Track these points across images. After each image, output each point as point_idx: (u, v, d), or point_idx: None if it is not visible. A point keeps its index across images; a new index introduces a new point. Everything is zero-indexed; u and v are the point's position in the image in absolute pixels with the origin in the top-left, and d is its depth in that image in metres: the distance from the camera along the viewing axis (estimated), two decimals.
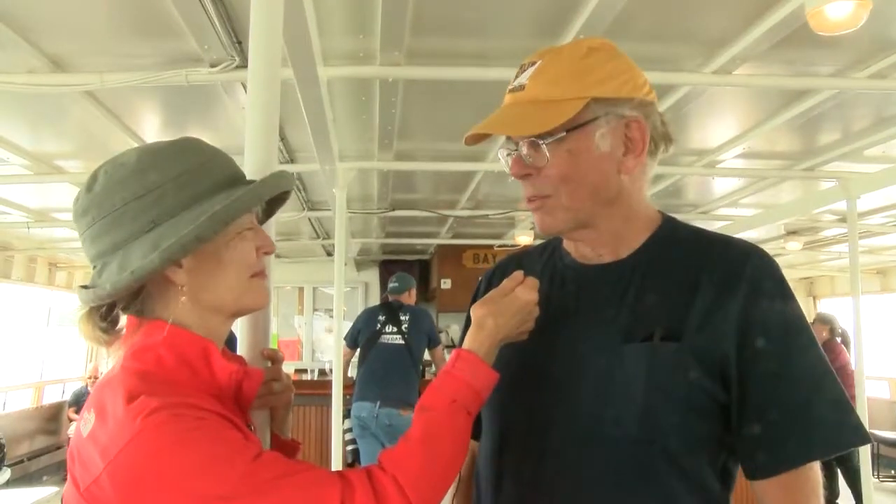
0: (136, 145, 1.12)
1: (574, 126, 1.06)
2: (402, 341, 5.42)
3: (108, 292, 0.97)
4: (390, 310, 5.57)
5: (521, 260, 1.30)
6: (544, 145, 1.06)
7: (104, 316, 1.02)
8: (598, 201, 1.10)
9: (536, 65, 1.10)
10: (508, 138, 1.13)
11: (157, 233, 0.97)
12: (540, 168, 1.08)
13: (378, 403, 5.13)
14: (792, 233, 7.04)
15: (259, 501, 0.87)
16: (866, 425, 1.09)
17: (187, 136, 1.08)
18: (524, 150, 1.09)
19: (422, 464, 0.98)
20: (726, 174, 4.95)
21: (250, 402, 1.06)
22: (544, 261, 1.25)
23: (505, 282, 1.12)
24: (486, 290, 1.17)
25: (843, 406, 1.03)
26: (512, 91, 1.12)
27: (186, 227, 0.95)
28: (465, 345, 1.09)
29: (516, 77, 1.12)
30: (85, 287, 1.00)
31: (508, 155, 1.13)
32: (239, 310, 1.07)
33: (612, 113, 1.08)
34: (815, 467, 1.02)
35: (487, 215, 6.29)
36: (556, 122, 1.05)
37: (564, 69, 1.08)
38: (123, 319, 1.04)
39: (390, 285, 5.75)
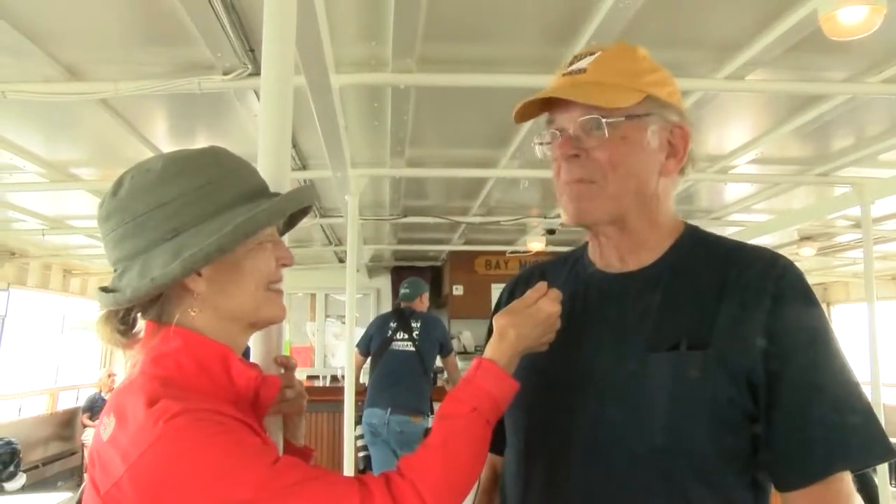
0: (149, 153, 1.13)
1: (632, 115, 1.08)
2: (412, 348, 5.40)
3: (127, 298, 0.98)
4: (402, 317, 5.55)
5: (544, 270, 1.30)
6: (605, 123, 1.07)
7: (123, 319, 1.03)
8: (637, 196, 1.11)
9: (596, 54, 1.12)
10: (550, 122, 1.14)
11: (179, 241, 0.97)
12: (590, 150, 1.09)
13: (389, 410, 5.13)
14: (806, 238, 6.99)
15: None
16: None
17: (214, 145, 1.09)
18: (580, 128, 1.09)
19: (440, 471, 0.99)
20: (739, 180, 4.92)
21: (267, 409, 1.07)
22: (567, 271, 1.25)
23: (528, 293, 1.13)
24: (509, 301, 1.17)
25: (868, 418, 1.01)
26: (570, 73, 1.12)
27: (209, 237, 0.96)
28: (487, 354, 1.10)
29: (571, 63, 1.13)
30: (105, 289, 1.01)
31: (547, 142, 1.14)
32: (257, 320, 1.07)
33: (662, 115, 1.10)
34: (846, 479, 1.00)
35: (499, 222, 6.28)
36: (623, 102, 1.07)
37: (625, 64, 1.11)
38: (141, 323, 1.04)
39: (402, 291, 5.72)
